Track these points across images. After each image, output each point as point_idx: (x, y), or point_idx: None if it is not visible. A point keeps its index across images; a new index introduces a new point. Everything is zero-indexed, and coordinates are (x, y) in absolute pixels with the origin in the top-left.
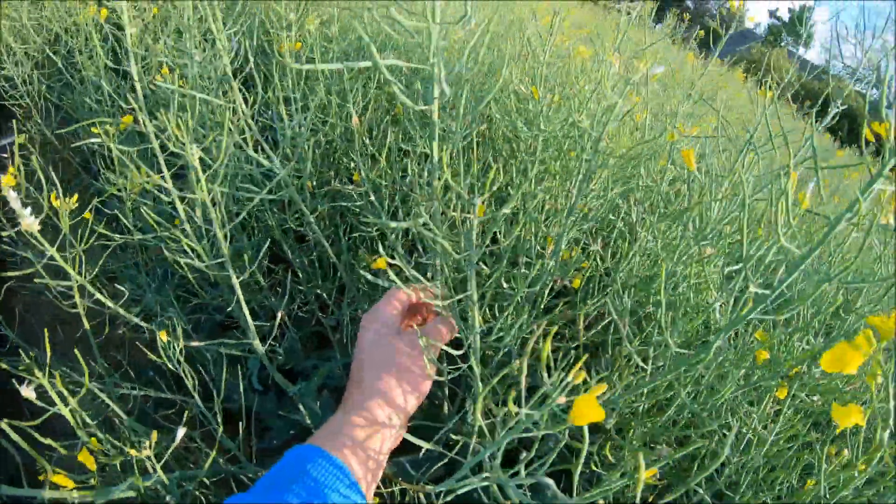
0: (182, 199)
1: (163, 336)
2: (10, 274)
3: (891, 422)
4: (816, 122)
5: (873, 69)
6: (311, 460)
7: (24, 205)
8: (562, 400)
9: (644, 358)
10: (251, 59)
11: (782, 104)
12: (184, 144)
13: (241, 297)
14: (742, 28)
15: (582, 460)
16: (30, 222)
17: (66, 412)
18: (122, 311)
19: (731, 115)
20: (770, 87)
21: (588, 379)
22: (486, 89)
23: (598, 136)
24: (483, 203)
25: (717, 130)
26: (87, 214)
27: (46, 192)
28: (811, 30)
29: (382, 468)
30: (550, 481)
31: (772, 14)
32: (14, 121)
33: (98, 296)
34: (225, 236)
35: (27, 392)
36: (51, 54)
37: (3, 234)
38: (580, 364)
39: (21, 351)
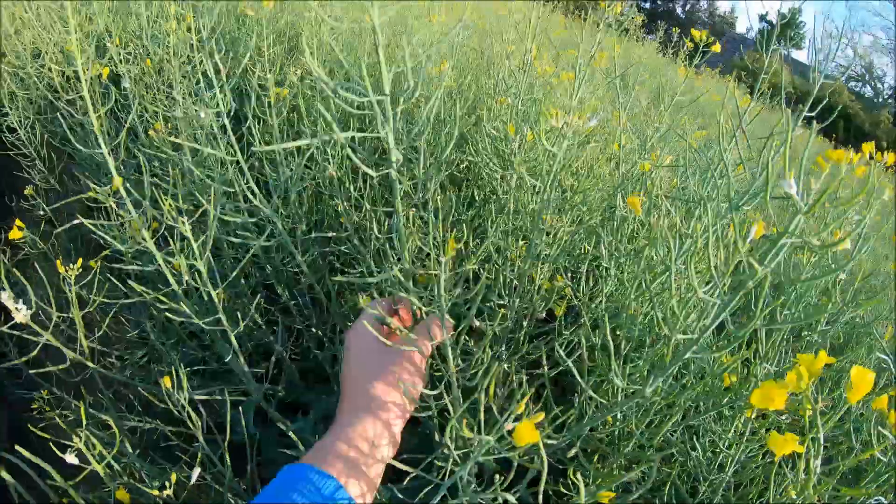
0: (167, 263)
1: (167, 382)
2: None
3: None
4: (809, 123)
5: (865, 66)
6: (303, 478)
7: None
8: (509, 426)
9: (604, 390)
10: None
11: (772, 109)
12: (175, 218)
13: (238, 349)
14: (733, 34)
15: (542, 485)
16: (23, 315)
17: (99, 468)
18: (129, 379)
19: (712, 123)
20: (763, 92)
21: (531, 407)
22: (456, 133)
23: (553, 173)
24: (454, 249)
25: (685, 156)
26: (92, 263)
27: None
28: (802, 31)
29: (380, 476)
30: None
31: (762, 18)
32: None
33: (101, 363)
34: (218, 296)
35: (71, 458)
36: (52, 100)
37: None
38: (527, 398)
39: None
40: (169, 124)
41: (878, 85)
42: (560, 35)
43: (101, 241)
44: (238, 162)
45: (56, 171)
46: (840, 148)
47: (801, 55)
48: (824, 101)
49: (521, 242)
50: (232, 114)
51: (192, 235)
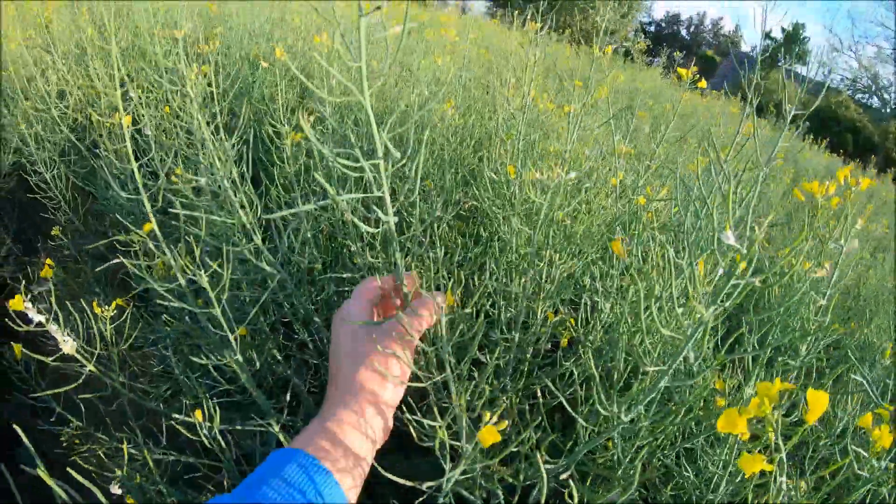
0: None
1: (198, 415)
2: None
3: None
4: (815, 139)
5: (871, 77)
6: (290, 461)
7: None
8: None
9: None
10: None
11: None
12: (195, 273)
13: (257, 382)
14: (738, 52)
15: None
16: (70, 347)
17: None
18: (159, 406)
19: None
20: (770, 110)
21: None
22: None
23: (542, 219)
24: (453, 301)
25: (686, 184)
26: (119, 300)
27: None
28: (806, 45)
29: (368, 462)
30: None
31: (766, 35)
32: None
33: (135, 395)
34: (237, 339)
35: (115, 489)
36: (75, 142)
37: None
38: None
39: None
40: (189, 170)
41: (886, 96)
42: (566, 65)
43: (127, 279)
44: (255, 207)
45: (80, 212)
46: (849, 162)
47: (805, 70)
48: (831, 115)
49: (522, 280)
50: (249, 162)
51: (214, 279)
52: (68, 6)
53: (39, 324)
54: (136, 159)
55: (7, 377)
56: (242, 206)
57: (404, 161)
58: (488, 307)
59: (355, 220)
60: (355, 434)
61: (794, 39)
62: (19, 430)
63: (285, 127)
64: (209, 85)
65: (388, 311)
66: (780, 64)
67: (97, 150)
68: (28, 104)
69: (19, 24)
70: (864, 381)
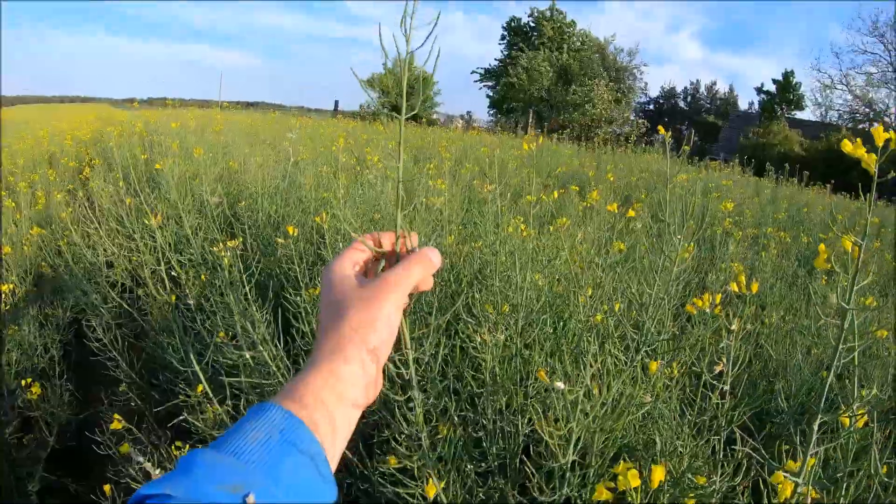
0: None
1: None
2: None
3: None
4: (823, 184)
5: (866, 104)
6: (264, 413)
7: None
8: None
9: None
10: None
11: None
12: None
13: None
14: (738, 112)
15: None
16: (157, 473)
17: None
18: None
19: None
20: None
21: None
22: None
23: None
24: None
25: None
26: (178, 443)
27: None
28: (800, 91)
29: (351, 421)
30: None
31: (759, 90)
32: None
33: None
34: None
35: None
36: (126, 307)
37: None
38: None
39: None
40: (229, 333)
41: (886, 119)
42: (568, 168)
43: (188, 427)
44: (282, 358)
45: (136, 367)
46: (855, 198)
47: (804, 115)
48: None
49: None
50: (279, 321)
51: None
52: (103, 169)
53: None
54: (182, 325)
55: None
56: (273, 359)
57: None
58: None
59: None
60: (337, 391)
61: (787, 88)
62: None
63: (304, 291)
64: (241, 253)
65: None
66: (777, 114)
67: (146, 312)
68: (79, 268)
69: (59, 185)
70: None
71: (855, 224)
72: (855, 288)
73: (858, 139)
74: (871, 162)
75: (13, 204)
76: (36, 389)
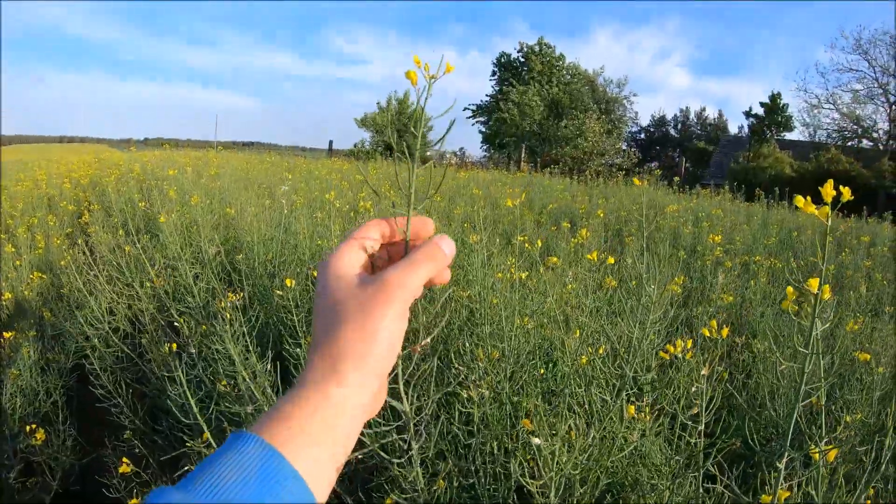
0: None
1: None
2: None
3: None
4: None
5: (854, 121)
6: (242, 444)
7: None
8: None
9: None
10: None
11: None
12: None
13: None
14: (728, 137)
15: None
16: None
17: None
18: None
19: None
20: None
21: None
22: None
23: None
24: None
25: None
26: None
27: None
28: (787, 112)
29: (347, 448)
30: None
31: (748, 114)
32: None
33: None
34: None
35: None
36: (128, 352)
37: None
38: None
39: None
40: (231, 383)
41: (874, 134)
42: (560, 203)
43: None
44: None
45: (139, 413)
46: (850, 217)
47: (794, 135)
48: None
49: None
50: (278, 371)
51: None
52: (101, 215)
53: None
54: (184, 372)
55: None
56: None
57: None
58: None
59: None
60: (331, 414)
61: (775, 110)
62: None
63: (303, 340)
64: (239, 306)
65: (394, 260)
66: (767, 137)
67: (149, 359)
68: (81, 314)
69: (59, 231)
70: None
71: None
72: (814, 333)
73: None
74: (823, 215)
75: (13, 248)
76: (40, 435)
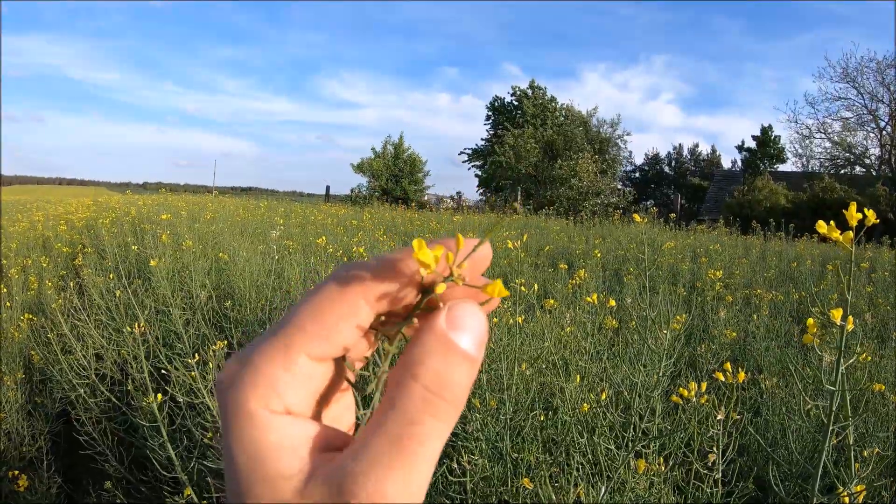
0: None
1: None
2: None
3: None
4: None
5: (846, 148)
6: None
7: None
8: None
9: None
10: None
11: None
12: None
13: None
14: (722, 171)
15: None
16: None
17: None
18: None
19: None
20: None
21: None
22: None
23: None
24: None
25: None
26: None
27: None
28: (780, 144)
29: None
30: None
31: (740, 148)
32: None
33: None
34: None
35: None
36: (114, 400)
37: None
38: None
39: None
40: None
41: (867, 160)
42: (556, 245)
43: None
44: None
45: (125, 461)
46: (862, 243)
47: (786, 167)
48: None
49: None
50: None
51: None
52: (94, 257)
53: None
54: (170, 423)
55: None
56: None
57: None
58: None
59: None
60: None
61: (767, 143)
62: None
63: None
64: (229, 353)
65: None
66: (761, 170)
67: (136, 407)
68: (67, 361)
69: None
70: None
71: (846, 274)
72: (840, 369)
73: (831, 222)
74: (846, 242)
75: (5, 290)
76: (23, 482)
